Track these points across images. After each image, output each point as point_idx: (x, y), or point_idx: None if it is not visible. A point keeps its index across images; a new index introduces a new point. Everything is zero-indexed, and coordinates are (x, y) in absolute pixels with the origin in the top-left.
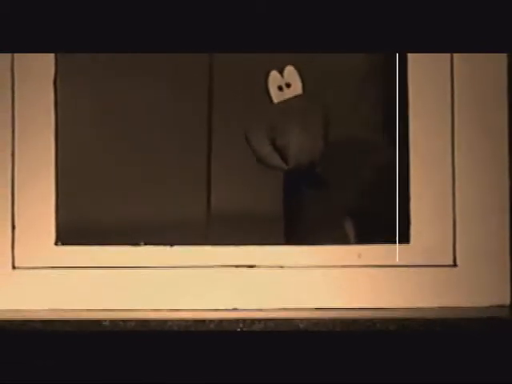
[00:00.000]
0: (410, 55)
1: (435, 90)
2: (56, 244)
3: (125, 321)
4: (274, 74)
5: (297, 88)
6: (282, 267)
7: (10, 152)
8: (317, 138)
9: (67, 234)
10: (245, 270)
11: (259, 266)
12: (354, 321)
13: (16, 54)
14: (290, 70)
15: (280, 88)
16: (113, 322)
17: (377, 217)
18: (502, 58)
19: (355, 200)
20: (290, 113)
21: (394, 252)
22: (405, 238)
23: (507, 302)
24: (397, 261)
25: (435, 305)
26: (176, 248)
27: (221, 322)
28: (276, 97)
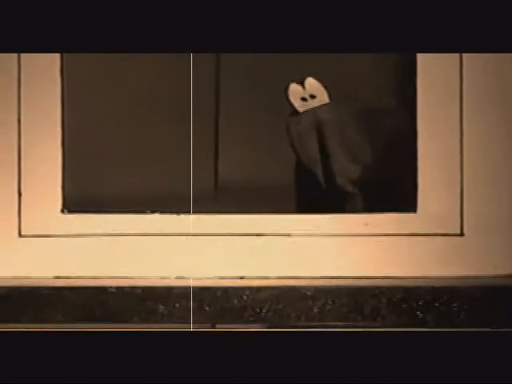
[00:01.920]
0: None
1: (444, 55)
2: (62, 212)
3: (131, 288)
4: (294, 86)
5: (322, 98)
6: (289, 235)
7: (16, 118)
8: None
9: (73, 202)
10: (252, 238)
11: (267, 235)
12: (361, 289)
13: None
14: (311, 82)
15: (304, 99)
16: (119, 288)
17: (384, 185)
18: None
19: (363, 169)
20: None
21: (401, 221)
22: (412, 207)
23: None
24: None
25: (442, 274)
26: (183, 216)
27: (227, 289)
28: (300, 106)
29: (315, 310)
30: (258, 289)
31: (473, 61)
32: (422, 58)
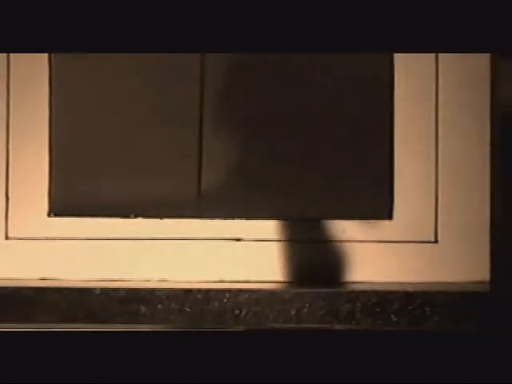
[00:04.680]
0: None
1: (420, 61)
2: (49, 215)
3: (115, 290)
4: None
5: None
6: (268, 241)
7: (4, 121)
8: None
9: (60, 206)
10: (232, 242)
11: (246, 239)
12: (337, 293)
13: None
14: None
15: None
16: (103, 290)
17: (361, 193)
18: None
19: (339, 176)
20: None
21: (378, 227)
22: (388, 214)
23: (487, 277)
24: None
25: (416, 279)
26: (166, 220)
27: (208, 292)
28: None
29: (292, 312)
30: (238, 292)
31: (449, 68)
32: (399, 57)
